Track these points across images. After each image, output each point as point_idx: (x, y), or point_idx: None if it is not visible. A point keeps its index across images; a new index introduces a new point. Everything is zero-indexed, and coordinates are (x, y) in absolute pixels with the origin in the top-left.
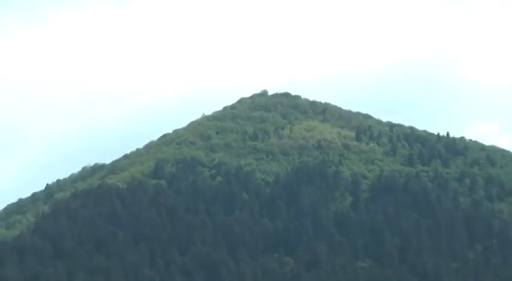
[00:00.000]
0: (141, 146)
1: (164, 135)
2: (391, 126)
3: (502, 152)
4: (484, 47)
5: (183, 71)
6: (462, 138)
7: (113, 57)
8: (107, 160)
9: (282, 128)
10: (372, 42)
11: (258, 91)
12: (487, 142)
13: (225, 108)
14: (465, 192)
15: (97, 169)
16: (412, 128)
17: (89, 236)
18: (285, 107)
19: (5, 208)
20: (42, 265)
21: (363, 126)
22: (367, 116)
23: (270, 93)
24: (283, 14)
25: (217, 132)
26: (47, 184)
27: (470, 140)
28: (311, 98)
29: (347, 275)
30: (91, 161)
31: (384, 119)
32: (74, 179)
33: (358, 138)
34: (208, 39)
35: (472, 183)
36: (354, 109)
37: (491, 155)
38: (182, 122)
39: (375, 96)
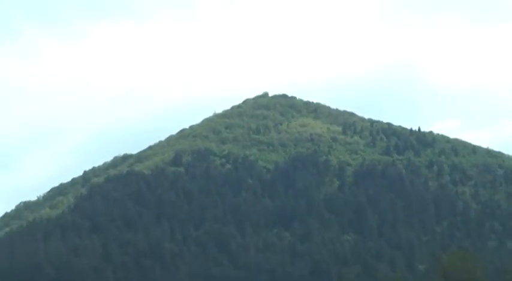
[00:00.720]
0: (162, 139)
1: (182, 130)
2: (372, 122)
3: (464, 144)
4: (451, 57)
5: (200, 76)
6: (431, 132)
7: (140, 68)
8: (134, 151)
9: (281, 124)
10: (356, 52)
11: (260, 93)
12: (451, 135)
13: (232, 107)
14: (433, 177)
15: (126, 158)
16: (389, 124)
17: (119, 214)
18: (283, 107)
19: (49, 191)
20: (81, 239)
21: (348, 123)
22: (352, 114)
23: (270, 94)
24: (281, 30)
25: (226, 128)
26: (84, 171)
27: (438, 134)
28: (305, 99)
29: (335, 246)
30: (121, 152)
31: (366, 117)
32: (106, 166)
33: (344, 132)
34: (218, 51)
35: (439, 170)
36: (341, 108)
37: (455, 146)
38: (197, 119)
39: (358, 97)
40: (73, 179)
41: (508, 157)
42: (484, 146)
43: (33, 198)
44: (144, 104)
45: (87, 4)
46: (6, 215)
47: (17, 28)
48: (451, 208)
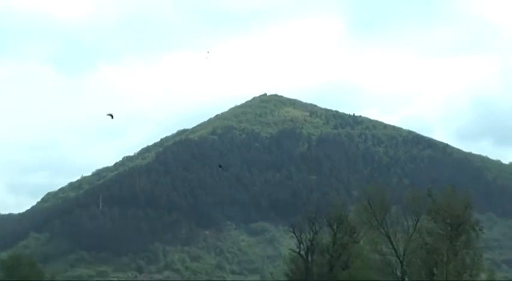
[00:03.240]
0: (205, 120)
1: (216, 115)
2: (327, 110)
3: (380, 123)
4: (375, 73)
5: (227, 84)
6: (360, 116)
7: (193, 80)
8: (189, 126)
9: (274, 111)
10: (319, 69)
11: (262, 93)
12: (372, 117)
13: (246, 101)
14: (362, 142)
15: (184, 131)
16: (337, 111)
17: (180, 163)
18: (275, 101)
19: (141, 150)
20: (159, 177)
21: (313, 110)
22: (315, 105)
23: (268, 94)
24: (274, 54)
25: (242, 113)
26: (161, 138)
27: (365, 117)
28: (288, 97)
29: (305, 182)
30: (181, 127)
31: (323, 107)
32: (173, 135)
33: (310, 116)
34: (239, 69)
35: (365, 138)
36: (309, 102)
37: (374, 124)
38: (225, 108)
39: (319, 95)
40: (154, 143)
41: (404, 130)
42: (392, 123)
43: (131, 153)
44: (195, 99)
45: (159, 40)
46: (116, 163)
47: (121, 55)
48: (371, 160)
